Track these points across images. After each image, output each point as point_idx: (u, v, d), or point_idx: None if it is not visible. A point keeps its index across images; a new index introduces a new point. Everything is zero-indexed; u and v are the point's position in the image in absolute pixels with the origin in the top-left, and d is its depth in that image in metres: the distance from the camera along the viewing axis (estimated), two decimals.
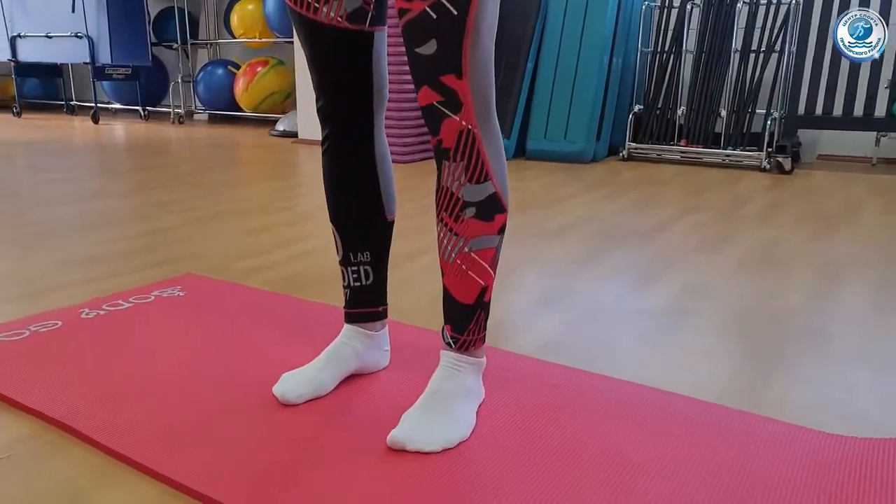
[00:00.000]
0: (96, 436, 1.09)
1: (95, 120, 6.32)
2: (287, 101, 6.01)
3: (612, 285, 1.93)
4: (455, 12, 0.97)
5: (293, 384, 1.22)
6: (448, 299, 1.15)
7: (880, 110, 3.77)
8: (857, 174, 3.74)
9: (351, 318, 1.30)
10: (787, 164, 3.67)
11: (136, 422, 1.13)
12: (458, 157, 1.05)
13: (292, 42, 5.25)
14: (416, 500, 0.94)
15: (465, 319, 1.14)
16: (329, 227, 2.45)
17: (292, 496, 0.95)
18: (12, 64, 6.59)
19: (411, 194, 3.12)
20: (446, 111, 1.02)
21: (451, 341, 1.16)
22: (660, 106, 4.12)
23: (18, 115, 6.79)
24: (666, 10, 4.15)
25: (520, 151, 4.26)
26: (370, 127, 1.20)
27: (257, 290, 1.79)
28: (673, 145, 4.07)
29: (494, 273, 1.14)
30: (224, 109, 6.30)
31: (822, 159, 4.22)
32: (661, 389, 1.29)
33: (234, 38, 6.23)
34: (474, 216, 1.08)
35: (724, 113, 3.94)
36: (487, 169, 1.06)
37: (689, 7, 4.08)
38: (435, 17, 0.97)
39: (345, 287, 1.30)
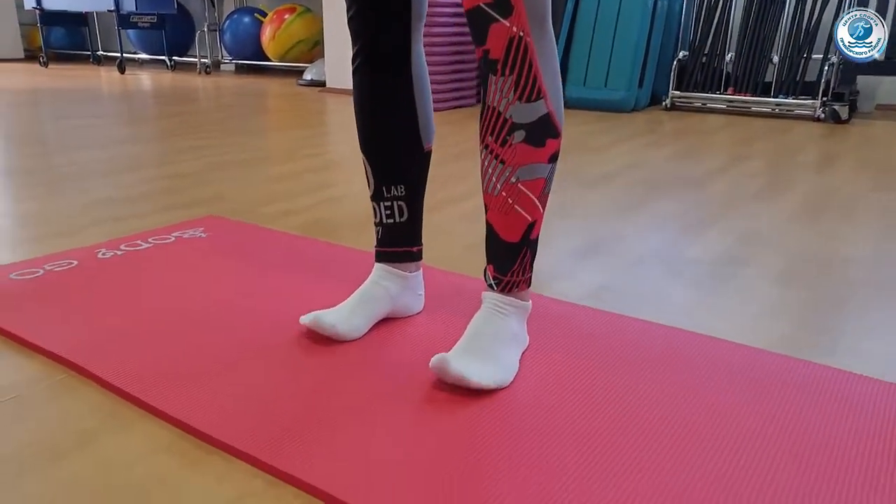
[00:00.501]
0: (107, 376, 1.00)
1: (121, 70, 6.24)
2: (314, 50, 5.86)
3: (660, 233, 1.79)
4: None
5: (319, 318, 1.11)
6: (491, 236, 1.03)
7: None
8: None
9: (383, 258, 1.19)
10: (843, 112, 3.45)
11: (150, 363, 1.04)
12: (508, 70, 0.92)
13: None
14: (459, 454, 0.84)
15: (510, 259, 1.02)
16: (361, 170, 2.33)
17: (315, 443, 0.85)
18: (38, 12, 6.51)
19: (445, 141, 2.98)
20: (495, 14, 0.89)
21: (493, 282, 1.05)
22: (706, 52, 3.90)
23: (45, 64, 6.74)
24: None
25: None
26: (406, 41, 1.07)
27: (283, 233, 1.68)
28: (719, 94, 3.85)
29: (544, 208, 1.02)
30: (251, 59, 6.17)
31: (882, 109, 3.97)
32: (715, 337, 1.17)
33: None
34: (523, 140, 0.95)
35: (776, 59, 3.71)
36: (540, 85, 0.93)
37: None
38: None
39: (377, 224, 1.19)
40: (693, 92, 3.91)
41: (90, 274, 1.38)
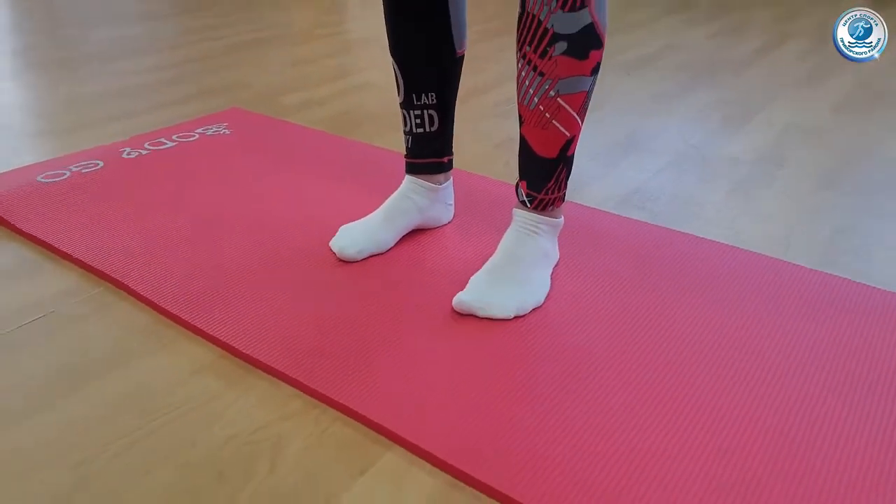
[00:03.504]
0: (146, 292, 1.01)
1: None
2: None
3: (700, 126, 1.73)
4: None
5: (352, 239, 1.11)
6: (526, 151, 1.00)
7: None
8: None
9: (413, 169, 1.16)
10: None
11: (186, 278, 1.05)
12: None
13: None
14: (485, 377, 0.86)
15: (545, 176, 0.99)
16: (385, 61, 2.25)
17: (343, 362, 0.87)
18: None
19: (471, 16, 2.84)
20: None
21: (526, 199, 1.03)
22: None
23: None
24: None
25: None
26: None
27: (308, 129, 1.65)
28: None
29: (583, 122, 0.97)
30: None
31: None
32: (751, 251, 1.15)
33: None
34: (565, 52, 0.89)
35: None
36: None
37: None
38: None
39: (406, 133, 1.15)
40: None
41: (117, 176, 1.37)
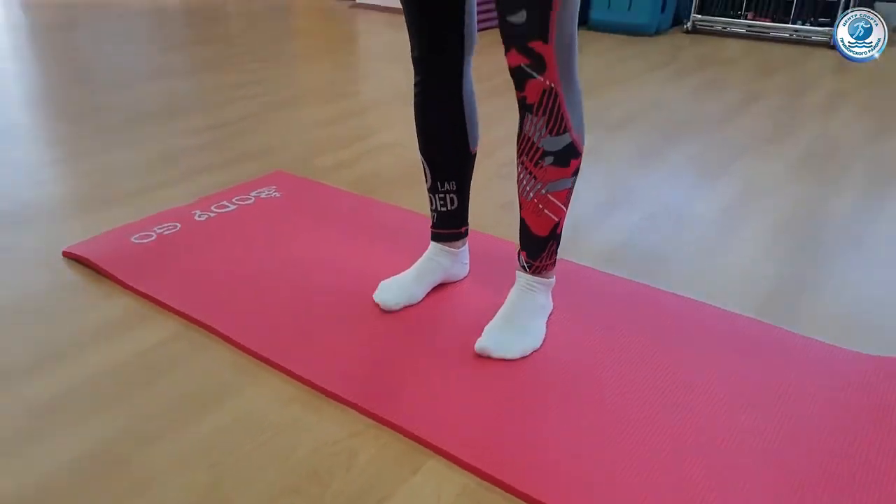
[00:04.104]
0: (235, 336, 1.33)
1: None
2: None
3: (673, 185, 2.05)
4: None
5: (391, 294, 1.43)
6: (524, 230, 1.32)
7: None
8: None
9: (438, 238, 1.48)
10: None
11: (266, 323, 1.36)
12: (541, 112, 1.17)
13: None
14: (500, 400, 1.17)
15: (539, 248, 1.31)
16: (395, 121, 2.57)
17: (392, 389, 1.18)
18: None
19: (476, 73, 3.17)
20: (532, 73, 1.13)
21: (525, 265, 1.34)
22: None
23: None
24: None
25: (582, 21, 4.18)
26: (459, 74, 1.31)
27: (343, 192, 1.97)
28: (739, 18, 3.94)
29: (567, 208, 1.29)
30: None
31: None
32: (709, 304, 1.46)
33: None
34: (552, 163, 1.21)
35: None
36: (567, 122, 1.18)
37: None
38: None
39: (432, 211, 1.47)
40: (714, 16, 3.99)
41: (195, 236, 1.69)
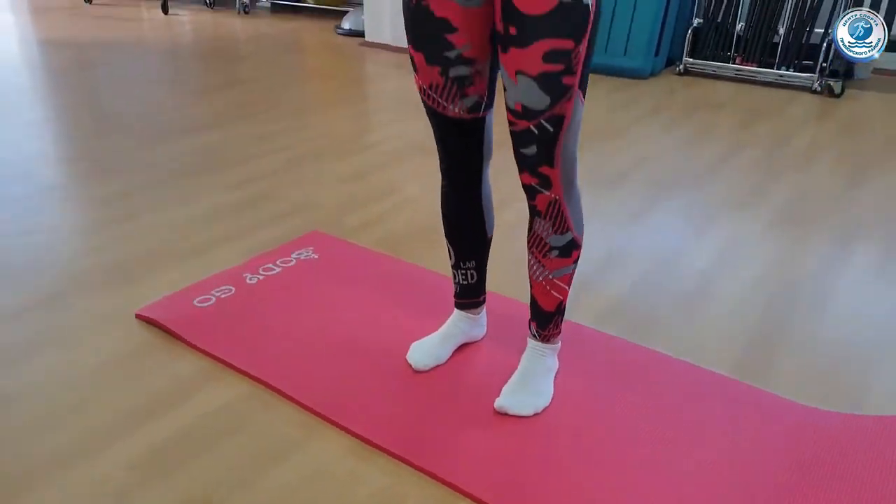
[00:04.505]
0: (298, 396, 1.59)
1: (165, 10, 6.53)
2: None
3: (660, 244, 2.32)
4: (551, 129, 1.32)
5: (421, 355, 1.69)
6: (534, 304, 1.58)
7: None
8: None
9: (460, 307, 1.75)
10: (836, 87, 3.85)
11: (318, 381, 1.63)
12: (548, 217, 1.44)
13: None
14: (517, 451, 1.44)
15: (547, 321, 1.58)
16: (415, 175, 2.83)
17: (434, 444, 1.45)
18: None
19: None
20: (541, 189, 1.40)
21: (536, 334, 1.61)
22: (719, 20, 4.23)
23: (89, 0, 7.01)
24: None
25: None
26: (479, 178, 1.59)
27: (375, 254, 2.23)
28: (729, 63, 4.22)
29: (570, 287, 1.56)
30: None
31: (878, 73, 4.33)
32: (690, 363, 1.73)
33: None
34: (557, 255, 1.48)
35: (781, 31, 4.05)
36: (569, 224, 1.45)
37: None
38: (537, 132, 1.33)
39: (455, 284, 1.74)
40: (705, 60, 4.28)
41: (249, 299, 1.96)
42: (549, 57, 1.24)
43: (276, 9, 6.84)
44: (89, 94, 4.00)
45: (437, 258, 2.20)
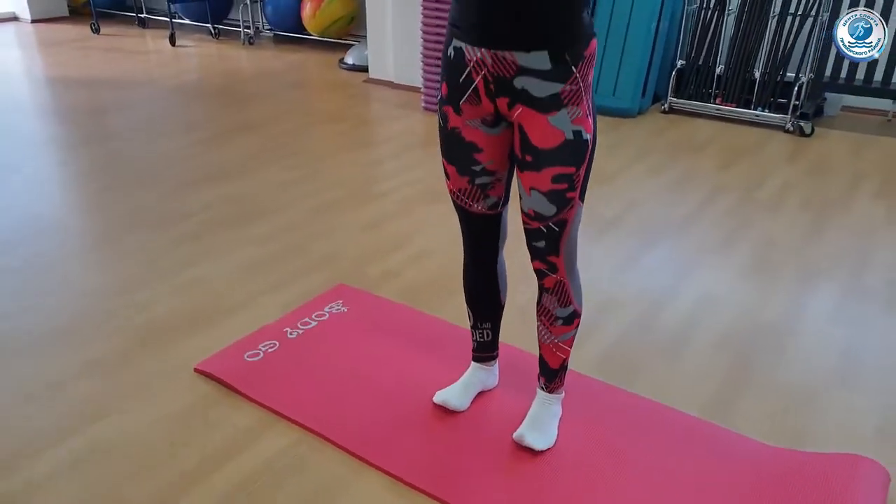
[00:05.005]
0: (344, 443, 1.90)
1: (172, 42, 6.79)
2: (352, 24, 6.43)
3: (643, 294, 2.63)
4: (557, 229, 1.64)
5: (455, 398, 2.00)
6: (542, 363, 1.90)
7: None
8: (871, 137, 4.25)
9: (478, 360, 2.07)
10: (807, 128, 4.19)
11: (360, 427, 1.93)
12: (554, 294, 1.75)
13: None
14: (527, 481, 1.75)
15: (553, 376, 1.90)
16: (430, 223, 3.13)
17: (461, 481, 1.75)
18: None
19: None
20: (548, 272, 1.72)
21: (543, 386, 1.93)
22: (700, 62, 4.56)
23: (97, 31, 7.25)
24: None
25: None
26: (495, 256, 1.90)
27: (398, 306, 2.53)
28: (710, 103, 4.56)
29: (571, 348, 1.87)
30: (290, 31, 6.75)
31: (846, 111, 4.68)
32: (672, 408, 2.04)
33: None
34: (562, 324, 1.80)
35: (757, 74, 4.39)
36: (570, 299, 1.77)
37: None
38: (545, 231, 1.64)
39: (473, 340, 2.05)
40: (688, 100, 4.61)
41: (293, 352, 2.26)
42: (556, 179, 1.56)
43: (279, 39, 7.11)
44: (104, 140, 4.21)
45: (453, 307, 2.50)
